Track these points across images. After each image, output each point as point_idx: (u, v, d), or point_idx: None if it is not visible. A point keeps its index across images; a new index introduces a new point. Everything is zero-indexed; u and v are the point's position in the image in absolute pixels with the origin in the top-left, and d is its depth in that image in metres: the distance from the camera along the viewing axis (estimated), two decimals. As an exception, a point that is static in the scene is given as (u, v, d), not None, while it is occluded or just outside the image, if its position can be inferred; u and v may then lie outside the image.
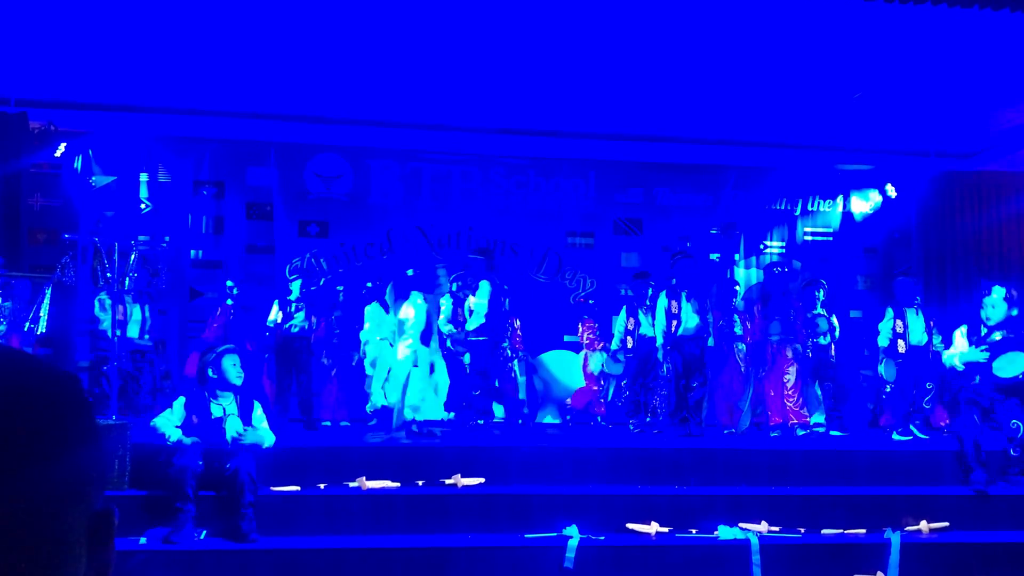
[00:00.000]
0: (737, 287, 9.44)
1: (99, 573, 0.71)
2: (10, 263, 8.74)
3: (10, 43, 8.00)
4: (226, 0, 7.20)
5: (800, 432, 8.47)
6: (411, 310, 7.53)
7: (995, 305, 7.00)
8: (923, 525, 6.23)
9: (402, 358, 7.44)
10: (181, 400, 6.01)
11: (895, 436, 8.16)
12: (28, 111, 9.33)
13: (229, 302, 9.16)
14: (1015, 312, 7.06)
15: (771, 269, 10.01)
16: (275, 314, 8.64)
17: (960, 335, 7.16)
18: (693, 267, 8.61)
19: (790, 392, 8.69)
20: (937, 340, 8.45)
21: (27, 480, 0.64)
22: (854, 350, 9.21)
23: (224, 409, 5.95)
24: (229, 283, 9.43)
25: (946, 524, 6.28)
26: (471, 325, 8.42)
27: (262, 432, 5.96)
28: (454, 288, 8.80)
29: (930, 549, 6.08)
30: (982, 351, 6.83)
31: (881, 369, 8.48)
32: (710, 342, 8.53)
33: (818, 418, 8.76)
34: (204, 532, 5.58)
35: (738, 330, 8.79)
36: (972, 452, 6.72)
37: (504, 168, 10.87)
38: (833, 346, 8.85)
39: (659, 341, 8.50)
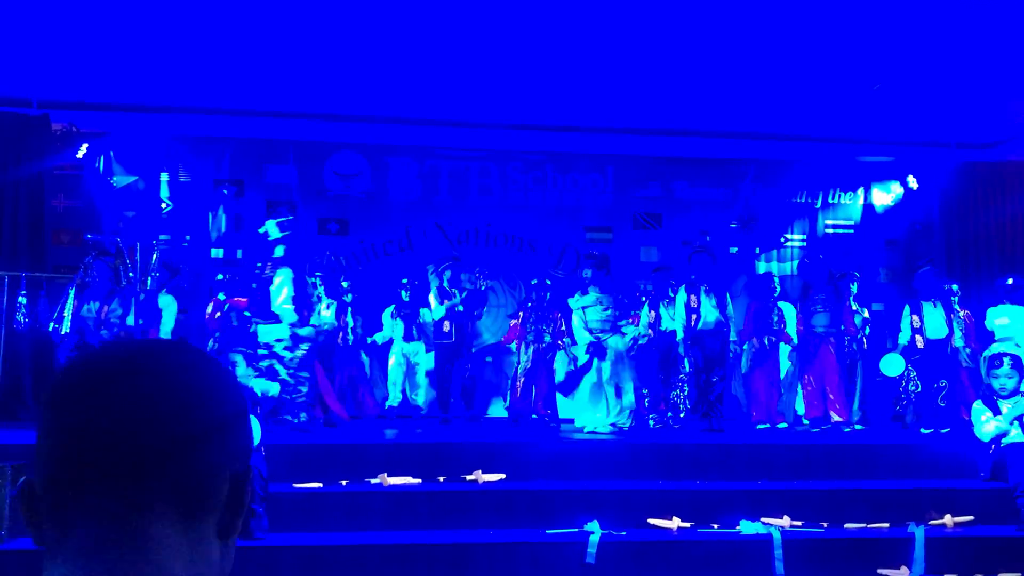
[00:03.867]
0: (775, 278, 9.40)
1: (231, 519, 0.88)
2: (34, 264, 8.84)
3: (32, 46, 8.09)
4: (245, 0, 7.24)
5: (846, 429, 8.44)
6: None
7: (1010, 376, 6.91)
8: (948, 519, 6.18)
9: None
10: None
11: (922, 431, 8.12)
12: (50, 113, 9.43)
13: (221, 296, 9.18)
14: None
15: (803, 260, 9.99)
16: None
17: (980, 406, 7.02)
18: (709, 261, 8.59)
19: (831, 386, 8.68)
20: (958, 334, 8.39)
21: (213, 443, 0.86)
22: (876, 344, 9.14)
23: None
24: (220, 276, 9.42)
25: (971, 518, 6.22)
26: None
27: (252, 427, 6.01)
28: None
29: (955, 543, 6.02)
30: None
31: (882, 364, 8.42)
32: (731, 336, 8.53)
33: (856, 413, 8.75)
34: None
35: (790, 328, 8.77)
36: None
37: (521, 164, 10.87)
38: (865, 340, 8.81)
39: (679, 335, 8.49)
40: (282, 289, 7.54)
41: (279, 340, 7.37)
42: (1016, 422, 6.67)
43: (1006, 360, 6.96)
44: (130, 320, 8.32)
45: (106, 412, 0.81)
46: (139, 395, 0.82)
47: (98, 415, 0.81)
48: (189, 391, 0.85)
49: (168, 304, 8.76)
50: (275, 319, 7.45)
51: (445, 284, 9.21)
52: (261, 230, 7.77)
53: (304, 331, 7.65)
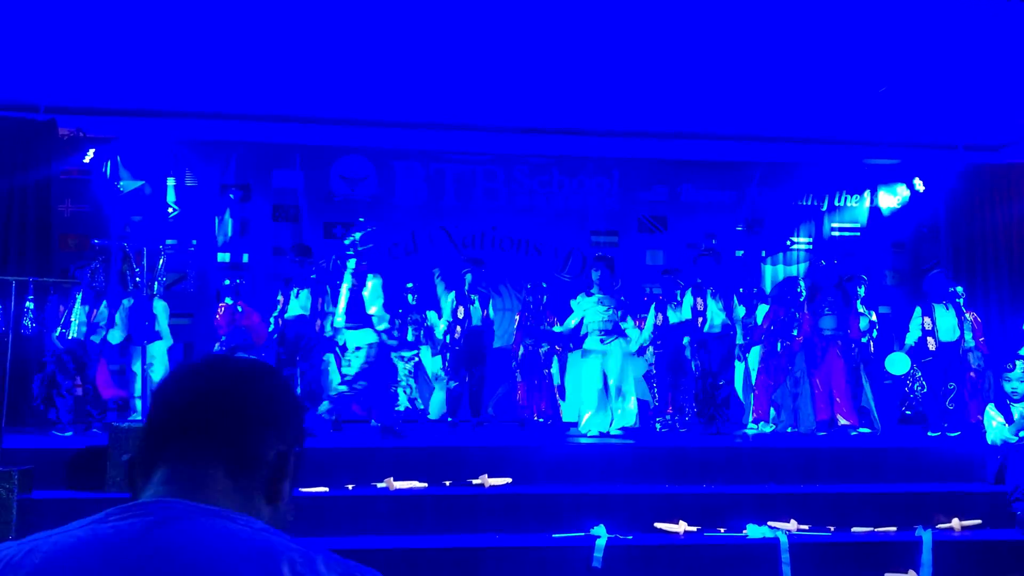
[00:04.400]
0: (800, 283, 9.38)
1: (275, 487, 1.15)
2: (41, 269, 8.87)
3: (39, 52, 8.12)
4: (251, 5, 7.26)
5: (853, 433, 8.42)
6: None
7: (1022, 380, 6.87)
8: (955, 523, 6.16)
9: None
10: None
11: (930, 434, 8.09)
12: (57, 118, 9.46)
13: (229, 300, 9.20)
14: None
15: (817, 262, 9.98)
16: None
17: (993, 410, 6.99)
18: (715, 265, 8.58)
19: (838, 389, 8.65)
20: (968, 336, 8.37)
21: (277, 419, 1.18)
22: (883, 346, 9.12)
23: None
24: (227, 281, 9.45)
25: (978, 522, 6.20)
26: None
27: None
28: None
29: (963, 547, 6.00)
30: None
31: (887, 363, 8.39)
32: (739, 341, 8.52)
33: (875, 416, 8.72)
34: None
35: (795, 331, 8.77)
36: None
37: (527, 167, 10.87)
38: (872, 344, 8.78)
39: (686, 339, 8.49)
40: (376, 296, 7.71)
41: (358, 348, 7.54)
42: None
43: (1018, 364, 6.93)
44: (117, 323, 8.30)
45: (186, 393, 1.16)
46: (210, 384, 1.16)
47: (181, 394, 1.17)
48: (248, 385, 1.17)
49: (162, 309, 8.75)
50: (367, 324, 7.60)
51: (465, 289, 9.19)
52: (347, 240, 7.94)
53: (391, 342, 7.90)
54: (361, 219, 8.49)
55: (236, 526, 1.06)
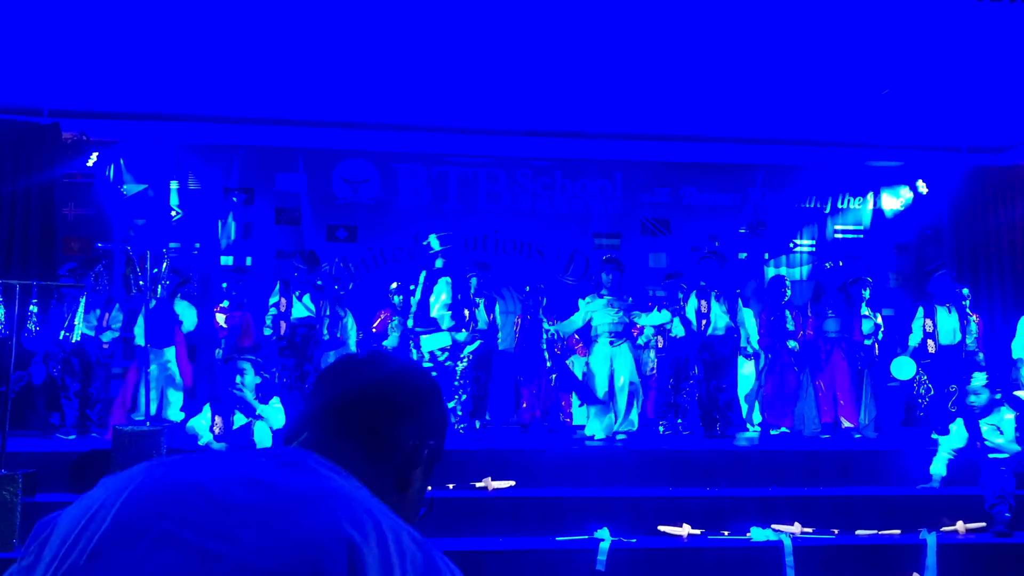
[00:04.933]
0: (785, 282, 9.38)
1: (405, 474, 1.26)
2: (45, 272, 8.88)
3: (42, 55, 8.13)
4: (253, 9, 7.27)
5: (857, 436, 8.43)
6: None
7: (978, 392, 6.99)
8: (959, 525, 6.15)
9: None
10: (208, 405, 6.21)
11: (933, 436, 8.08)
12: (60, 122, 9.47)
13: (225, 303, 9.21)
14: (999, 396, 7.04)
15: (821, 265, 9.98)
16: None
17: (958, 427, 7.07)
18: (719, 267, 8.58)
19: (842, 392, 8.66)
20: (970, 339, 8.36)
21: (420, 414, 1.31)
22: (888, 348, 9.12)
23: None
24: (224, 284, 9.46)
25: (982, 524, 6.19)
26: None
27: (271, 415, 6.24)
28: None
29: (967, 550, 5.99)
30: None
31: (893, 367, 8.39)
32: (742, 343, 8.51)
33: (865, 419, 8.72)
34: None
35: (790, 326, 8.77)
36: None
37: (530, 170, 10.87)
38: (877, 346, 8.78)
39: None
40: (440, 296, 7.78)
41: (443, 350, 7.62)
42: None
43: (976, 376, 7.00)
44: (139, 328, 8.35)
45: (343, 378, 1.30)
46: (365, 374, 1.30)
47: (338, 379, 1.30)
48: (400, 378, 1.31)
49: (185, 310, 8.78)
50: (435, 327, 7.68)
51: (471, 293, 9.20)
52: (424, 242, 8.29)
53: (460, 337, 8.02)
54: (443, 233, 8.73)
55: (350, 486, 1.13)
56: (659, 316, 8.67)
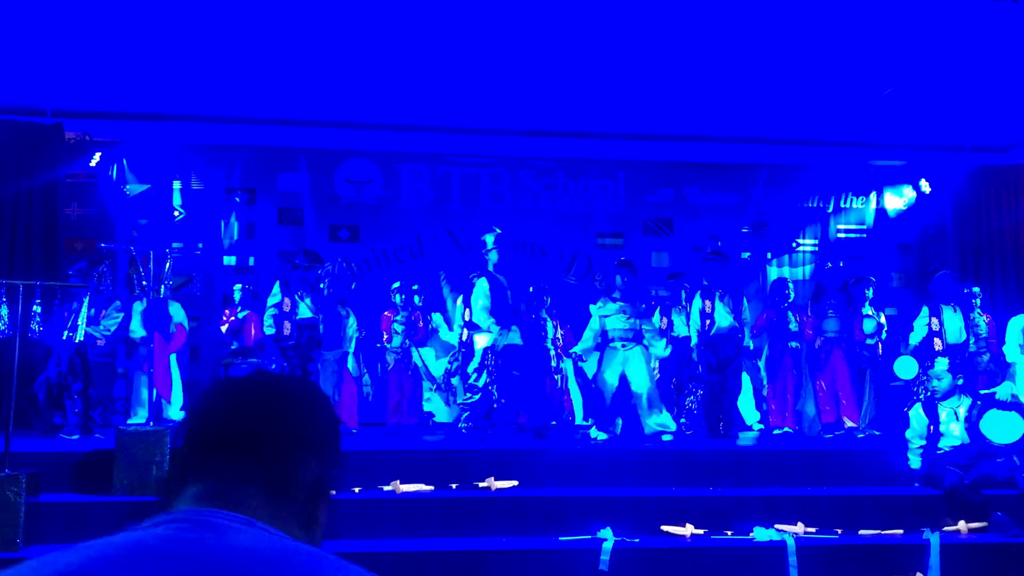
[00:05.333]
0: (788, 284, 9.37)
1: (310, 512, 1.12)
2: (48, 272, 8.89)
3: (46, 56, 8.15)
4: (256, 9, 7.27)
5: (860, 435, 8.42)
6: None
7: (940, 377, 7.00)
8: (961, 525, 6.14)
9: None
10: None
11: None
12: (64, 122, 9.49)
13: (237, 302, 9.20)
14: (960, 381, 7.05)
15: (823, 264, 9.97)
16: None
17: (918, 411, 7.08)
18: (723, 267, 8.56)
19: (843, 391, 8.65)
20: (972, 340, 8.35)
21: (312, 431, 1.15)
22: (891, 348, 9.11)
23: None
24: (238, 290, 9.47)
25: (984, 524, 6.18)
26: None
27: None
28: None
29: (971, 549, 5.99)
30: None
31: (896, 367, 8.38)
32: (748, 343, 8.51)
33: (865, 418, 8.72)
34: None
35: (793, 327, 8.76)
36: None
37: (533, 170, 10.87)
38: (880, 345, 8.78)
39: (693, 341, 8.47)
40: (478, 299, 7.87)
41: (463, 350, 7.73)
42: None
43: (938, 361, 7.00)
44: (135, 326, 8.36)
45: (227, 409, 1.13)
46: (252, 402, 1.13)
47: (220, 411, 1.13)
48: (291, 404, 1.14)
49: (177, 311, 8.79)
50: (475, 328, 7.86)
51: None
52: (482, 238, 8.35)
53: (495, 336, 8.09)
54: (496, 229, 8.71)
55: (277, 538, 1.04)
56: (654, 320, 8.67)
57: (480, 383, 8.05)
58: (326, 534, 1.18)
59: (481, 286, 8.01)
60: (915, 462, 6.87)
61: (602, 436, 7.86)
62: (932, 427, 6.81)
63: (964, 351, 8.28)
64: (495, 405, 8.34)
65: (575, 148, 10.70)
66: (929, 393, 7.08)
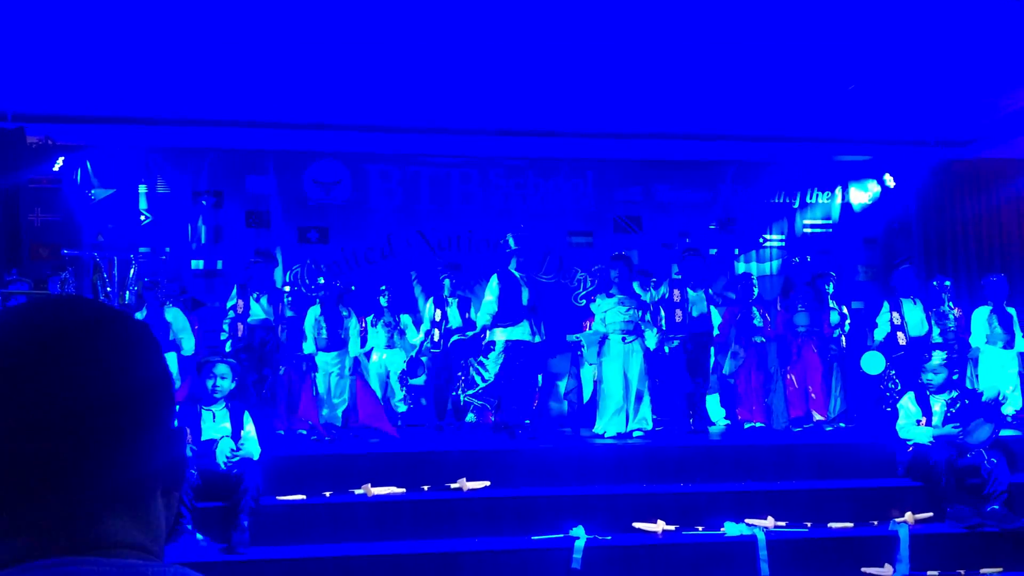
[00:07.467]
0: (753, 281, 9.41)
1: (161, 547, 0.78)
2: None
3: (6, 58, 8.02)
4: (220, 10, 7.21)
5: (828, 428, 8.49)
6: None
7: (936, 371, 6.89)
8: (908, 516, 6.21)
9: None
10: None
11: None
12: (25, 126, 9.35)
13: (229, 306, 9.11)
14: (956, 376, 7.07)
15: (791, 259, 10.04)
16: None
17: (909, 401, 6.96)
18: (701, 263, 8.60)
19: (813, 385, 8.73)
20: (936, 331, 8.46)
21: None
22: (856, 341, 9.21)
23: (215, 416, 5.98)
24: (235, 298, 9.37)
25: (930, 515, 6.24)
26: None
27: (250, 446, 5.96)
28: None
29: (941, 540, 6.07)
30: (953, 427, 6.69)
31: (863, 362, 8.44)
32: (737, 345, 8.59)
33: (833, 411, 8.80)
34: (204, 537, 5.54)
35: (758, 322, 8.81)
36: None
37: (503, 169, 10.87)
38: (844, 339, 8.86)
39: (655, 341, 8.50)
40: (487, 296, 7.91)
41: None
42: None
43: (935, 354, 7.00)
44: None
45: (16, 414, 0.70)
46: (52, 381, 0.71)
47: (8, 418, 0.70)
48: (100, 374, 0.73)
49: (176, 317, 8.58)
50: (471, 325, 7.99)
51: (445, 293, 9.19)
52: (502, 241, 8.41)
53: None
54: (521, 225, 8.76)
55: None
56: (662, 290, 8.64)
57: (490, 377, 7.96)
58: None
59: (492, 284, 7.97)
60: (923, 437, 6.64)
61: (610, 433, 7.75)
62: (924, 419, 6.77)
63: (926, 343, 8.39)
64: (488, 405, 8.30)
65: (544, 147, 10.72)
66: (924, 383, 7.00)
